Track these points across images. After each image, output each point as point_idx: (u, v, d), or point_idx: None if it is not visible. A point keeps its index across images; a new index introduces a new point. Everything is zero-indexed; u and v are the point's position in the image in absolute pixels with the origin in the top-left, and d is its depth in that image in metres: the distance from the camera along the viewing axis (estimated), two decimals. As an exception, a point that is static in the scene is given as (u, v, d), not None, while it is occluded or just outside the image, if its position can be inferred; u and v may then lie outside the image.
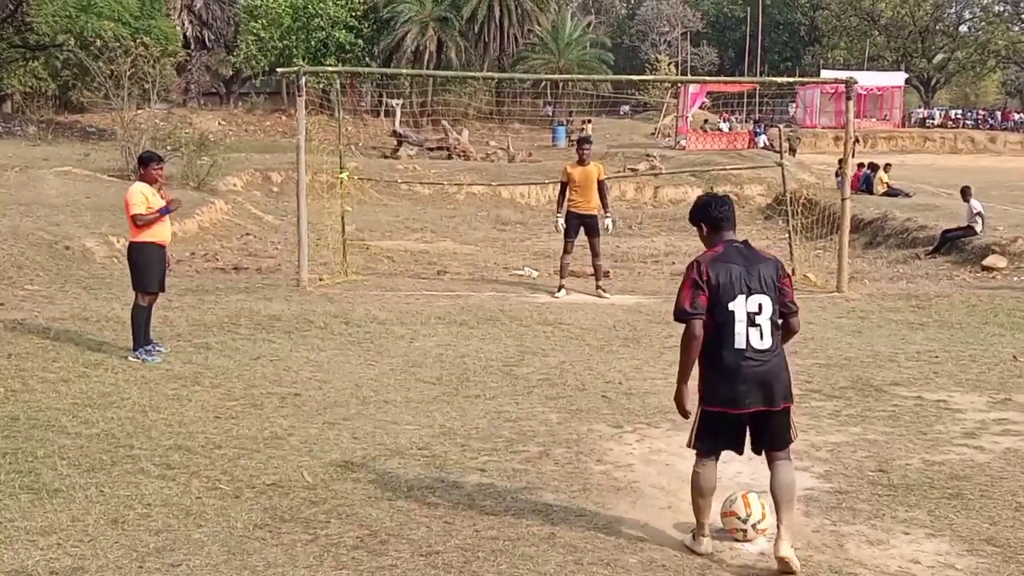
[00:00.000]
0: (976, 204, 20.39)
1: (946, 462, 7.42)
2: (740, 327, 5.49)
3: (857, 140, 38.11)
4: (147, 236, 10.38)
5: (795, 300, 5.75)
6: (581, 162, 14.63)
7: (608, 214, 15.16)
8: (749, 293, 5.51)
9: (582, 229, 14.71)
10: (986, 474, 7.16)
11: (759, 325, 5.51)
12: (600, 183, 14.65)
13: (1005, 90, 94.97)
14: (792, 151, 20.46)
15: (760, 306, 5.51)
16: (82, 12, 38.22)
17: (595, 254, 14.96)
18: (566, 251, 14.81)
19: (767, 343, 5.52)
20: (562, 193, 14.88)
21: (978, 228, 20.08)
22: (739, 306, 5.50)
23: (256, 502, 6.41)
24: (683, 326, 5.58)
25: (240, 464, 7.12)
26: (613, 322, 12.70)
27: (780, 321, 5.61)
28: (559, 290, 14.76)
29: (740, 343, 5.49)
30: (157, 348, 10.41)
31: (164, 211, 10.43)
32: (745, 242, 5.72)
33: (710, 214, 5.75)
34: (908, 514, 6.39)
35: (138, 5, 40.33)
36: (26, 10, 40.71)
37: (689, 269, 5.62)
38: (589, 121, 51.28)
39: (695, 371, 5.66)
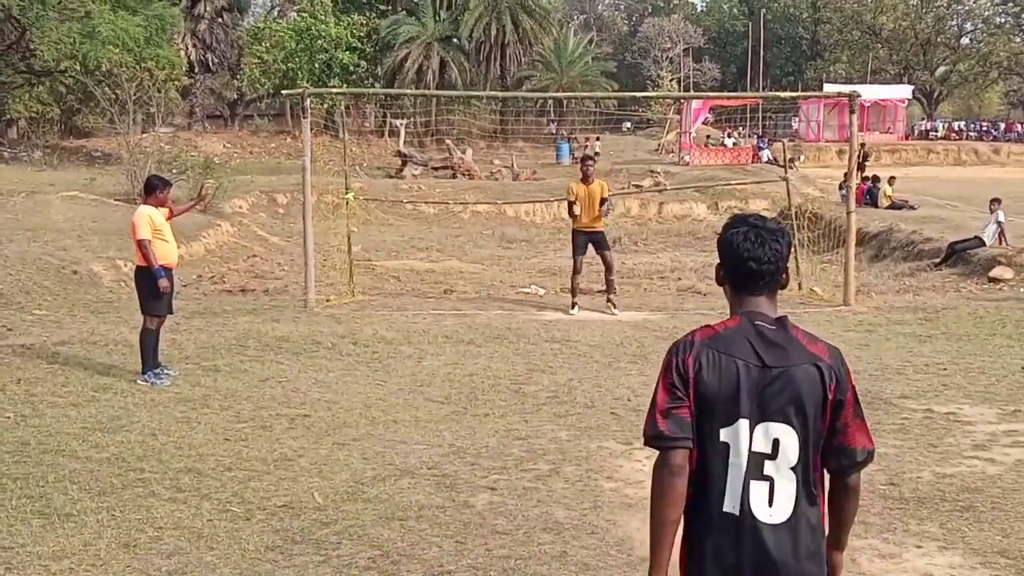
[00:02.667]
0: (1000, 214, 20.38)
1: (957, 475, 7.40)
2: (735, 475, 3.18)
3: (867, 155, 38.17)
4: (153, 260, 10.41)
5: (862, 440, 3.24)
6: (585, 180, 14.64)
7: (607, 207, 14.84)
8: (761, 417, 3.18)
9: (591, 246, 14.72)
10: (998, 486, 7.15)
11: (769, 477, 3.17)
12: (603, 200, 14.66)
13: (1008, 101, 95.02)
14: (785, 164, 20.39)
15: (776, 444, 3.17)
16: (86, 39, 38.39)
17: (608, 268, 14.96)
18: (576, 271, 14.81)
19: (781, 512, 3.16)
20: (571, 209, 14.88)
21: (987, 239, 20.04)
22: (738, 437, 3.18)
23: (267, 524, 6.42)
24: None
25: (251, 486, 7.13)
26: (620, 339, 12.70)
27: (817, 475, 3.24)
28: (573, 307, 14.76)
29: (731, 504, 3.18)
30: (166, 371, 10.43)
31: (158, 273, 10.30)
32: (781, 320, 3.29)
33: (735, 252, 3.34)
34: (920, 527, 6.38)
35: (143, 34, 40.49)
36: (30, 37, 40.89)
37: (669, 354, 3.31)
38: (598, 138, 51.38)
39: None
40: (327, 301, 15.56)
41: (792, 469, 3.16)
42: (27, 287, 15.31)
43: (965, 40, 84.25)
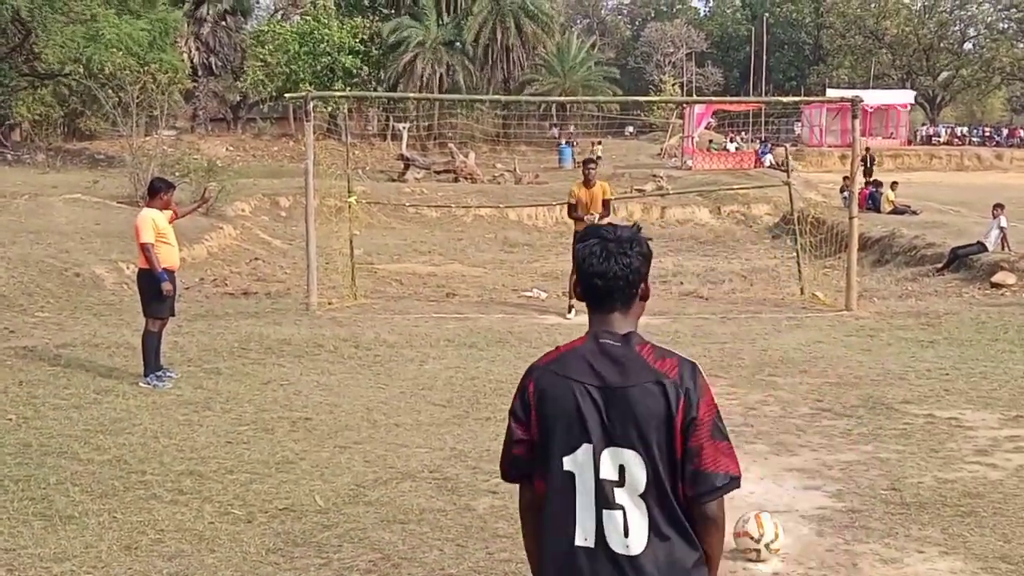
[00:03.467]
0: (1002, 220, 20.38)
1: (959, 480, 7.40)
2: (585, 505, 2.94)
3: (874, 159, 38.13)
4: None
5: (722, 463, 2.94)
6: (587, 183, 14.63)
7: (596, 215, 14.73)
8: (608, 442, 2.92)
9: None
10: (999, 491, 7.14)
11: (620, 506, 2.91)
12: (606, 202, 14.65)
13: (1011, 107, 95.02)
14: (787, 169, 20.45)
15: (623, 470, 2.92)
16: (90, 42, 38.45)
17: None
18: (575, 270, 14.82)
19: (637, 543, 2.91)
20: (571, 213, 14.88)
21: (990, 245, 20.05)
22: (582, 464, 2.94)
23: (269, 527, 6.42)
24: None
25: (252, 489, 7.13)
26: (622, 343, 12.66)
27: (673, 502, 2.93)
28: (570, 311, 14.77)
29: (583, 536, 2.95)
30: (168, 374, 10.43)
31: (161, 276, 10.32)
32: (627, 336, 3.05)
33: (583, 267, 3.11)
34: (921, 532, 6.38)
35: (147, 39, 40.56)
36: (34, 40, 40.96)
37: (521, 379, 3.13)
38: (599, 142, 51.39)
39: None
40: (329, 304, 15.56)
41: (641, 497, 2.90)
42: (29, 289, 15.33)
43: (968, 45, 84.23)
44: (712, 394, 2.97)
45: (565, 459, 2.95)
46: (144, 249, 10.30)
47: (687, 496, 2.92)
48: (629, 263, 3.04)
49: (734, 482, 2.96)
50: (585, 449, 2.93)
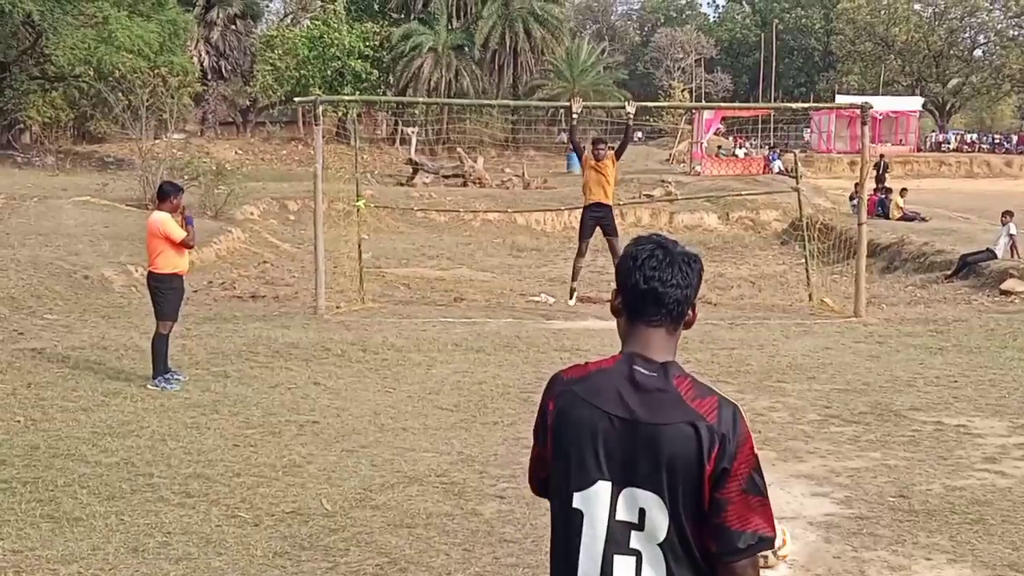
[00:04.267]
0: (1011, 227, 20.34)
1: (967, 487, 7.38)
2: (591, 548, 2.68)
3: (887, 166, 38.05)
4: (168, 267, 10.49)
5: (752, 522, 2.65)
6: (596, 157, 14.91)
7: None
8: (627, 482, 2.65)
9: (598, 230, 14.80)
10: (1008, 499, 7.12)
11: (637, 551, 2.64)
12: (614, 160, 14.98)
13: (1021, 114, 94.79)
14: (796, 175, 20.46)
15: (643, 514, 2.64)
16: (102, 44, 38.54)
17: (614, 255, 15.01)
18: (580, 253, 14.89)
19: None
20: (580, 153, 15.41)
21: (999, 252, 20.00)
22: (593, 503, 2.68)
23: (275, 530, 6.42)
24: None
25: (259, 492, 7.13)
26: (630, 348, 12.66)
27: (696, 557, 2.66)
28: (571, 295, 14.76)
29: None
30: (176, 376, 10.45)
31: (189, 220, 10.72)
32: (665, 366, 2.73)
33: (637, 270, 2.77)
34: (929, 540, 6.36)
35: (158, 41, 40.66)
36: (44, 42, 41.08)
37: (543, 394, 2.86)
38: (606, 145, 51.29)
39: None
40: (337, 308, 15.57)
41: (660, 546, 2.61)
42: (38, 291, 15.36)
43: (978, 52, 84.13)
44: (753, 443, 2.66)
45: (576, 495, 2.69)
46: (186, 242, 10.51)
47: (708, 551, 2.64)
48: (690, 277, 2.78)
49: (763, 543, 2.66)
50: (601, 487, 2.66)
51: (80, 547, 6.06)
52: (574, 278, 14.96)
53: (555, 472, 2.76)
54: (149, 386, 10.20)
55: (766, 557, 5.83)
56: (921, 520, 6.69)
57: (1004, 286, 18.25)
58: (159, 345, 10.40)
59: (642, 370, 2.68)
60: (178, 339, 11.45)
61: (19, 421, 8.84)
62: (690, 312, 2.82)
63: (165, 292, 10.53)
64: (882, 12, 79.97)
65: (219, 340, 12.73)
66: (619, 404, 2.65)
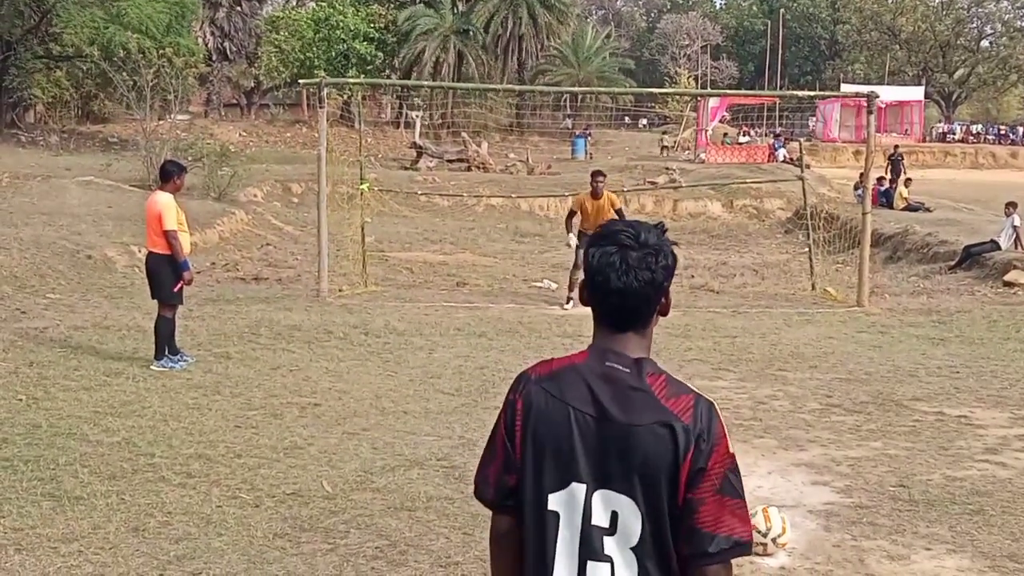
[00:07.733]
0: (1015, 218, 20.30)
1: (967, 478, 7.38)
2: (566, 552, 2.55)
3: (902, 156, 37.90)
4: (168, 248, 10.40)
5: (726, 524, 2.49)
6: (595, 195, 14.56)
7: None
8: (601, 483, 2.53)
9: None
10: (1008, 490, 7.12)
11: (608, 558, 2.52)
12: (619, 211, 14.60)
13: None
14: (801, 164, 20.46)
15: (615, 518, 2.52)
16: (111, 23, 38.49)
17: None
18: (576, 266, 14.82)
19: None
20: (569, 219, 14.95)
21: (1003, 244, 19.97)
22: (569, 505, 2.55)
23: (276, 511, 6.43)
24: None
25: (260, 473, 7.14)
26: (632, 335, 12.65)
27: (670, 562, 2.52)
28: (567, 302, 14.76)
29: None
30: (185, 356, 10.45)
31: (184, 265, 10.42)
32: (639, 363, 2.58)
33: (597, 277, 2.60)
34: (929, 529, 6.36)
35: (166, 21, 40.60)
36: (52, 21, 41.01)
37: (511, 386, 2.72)
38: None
39: None
40: (340, 291, 15.58)
41: (633, 550, 2.49)
42: (41, 271, 15.37)
43: (985, 43, 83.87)
44: (729, 442, 2.53)
45: (552, 496, 2.54)
46: (169, 236, 10.25)
47: (680, 554, 2.50)
48: (652, 278, 2.56)
49: (738, 548, 2.50)
50: (575, 489, 2.52)
51: (81, 526, 6.08)
52: (571, 288, 14.90)
53: (526, 474, 2.59)
54: (154, 367, 10.17)
55: (765, 545, 5.87)
56: (921, 510, 6.70)
57: (1007, 277, 18.22)
58: (164, 327, 10.35)
59: (615, 366, 2.55)
60: (180, 320, 11.43)
61: (21, 400, 8.86)
62: (663, 300, 2.63)
63: (163, 273, 10.44)
64: (889, 1, 79.73)
65: (221, 321, 12.73)
66: (590, 401, 2.53)
